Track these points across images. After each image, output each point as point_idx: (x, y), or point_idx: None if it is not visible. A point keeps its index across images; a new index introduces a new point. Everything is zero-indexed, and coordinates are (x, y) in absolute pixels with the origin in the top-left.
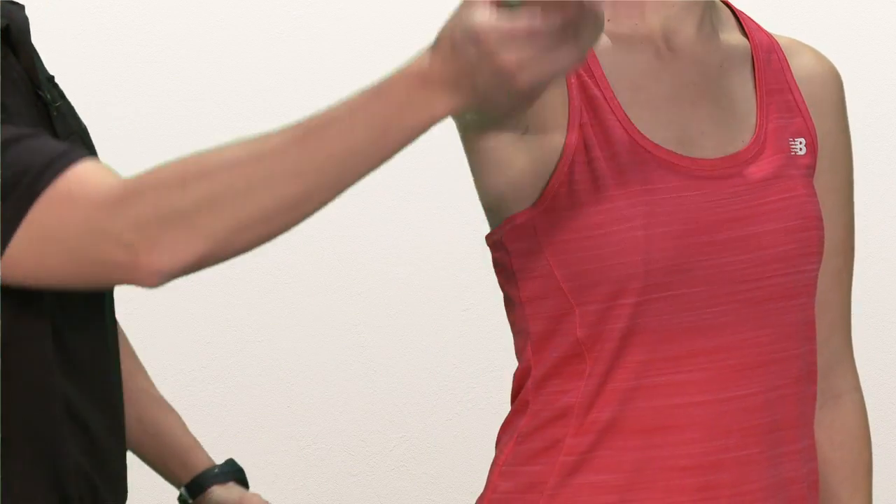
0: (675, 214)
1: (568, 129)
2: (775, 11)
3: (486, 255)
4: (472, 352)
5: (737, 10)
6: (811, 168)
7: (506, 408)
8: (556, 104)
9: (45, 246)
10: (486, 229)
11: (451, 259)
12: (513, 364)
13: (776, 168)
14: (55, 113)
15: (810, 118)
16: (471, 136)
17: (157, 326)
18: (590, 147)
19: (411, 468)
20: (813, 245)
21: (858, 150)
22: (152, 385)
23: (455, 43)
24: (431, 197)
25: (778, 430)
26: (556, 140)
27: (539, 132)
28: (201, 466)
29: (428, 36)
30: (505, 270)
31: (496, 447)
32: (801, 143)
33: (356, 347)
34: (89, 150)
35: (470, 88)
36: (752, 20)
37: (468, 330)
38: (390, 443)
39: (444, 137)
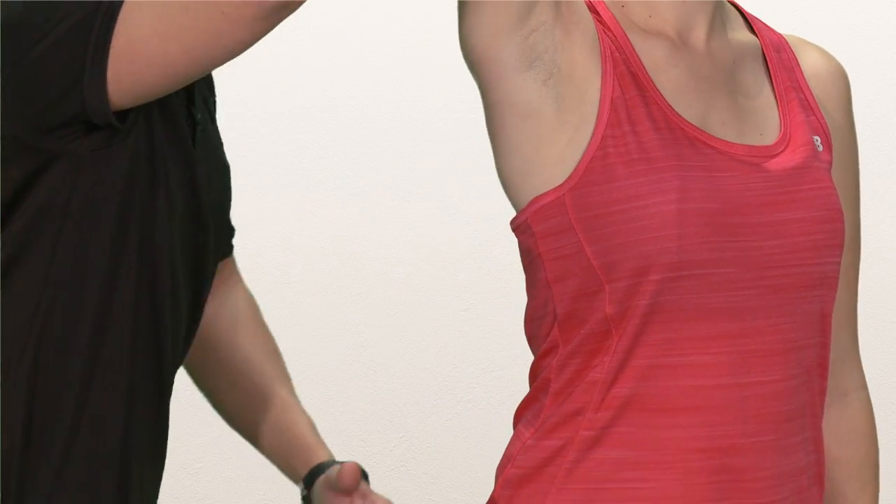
0: (709, 192)
1: (600, 102)
2: (776, 11)
3: (486, 255)
4: (472, 352)
5: (743, 9)
6: (830, 164)
7: (505, 408)
8: (588, 70)
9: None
10: (486, 229)
11: (451, 259)
12: (513, 364)
13: (804, 159)
14: (199, 135)
15: (822, 116)
16: (492, 82)
17: None
18: (622, 121)
19: (411, 468)
20: (838, 237)
21: (859, 150)
22: (292, 391)
23: None
24: (431, 197)
25: (790, 419)
26: (588, 107)
27: (568, 84)
28: (320, 460)
29: (427, 35)
30: (530, 253)
31: (517, 424)
32: (818, 140)
33: (356, 347)
34: (223, 188)
35: None
36: (758, 19)
37: (468, 330)
38: (390, 443)
39: (445, 137)
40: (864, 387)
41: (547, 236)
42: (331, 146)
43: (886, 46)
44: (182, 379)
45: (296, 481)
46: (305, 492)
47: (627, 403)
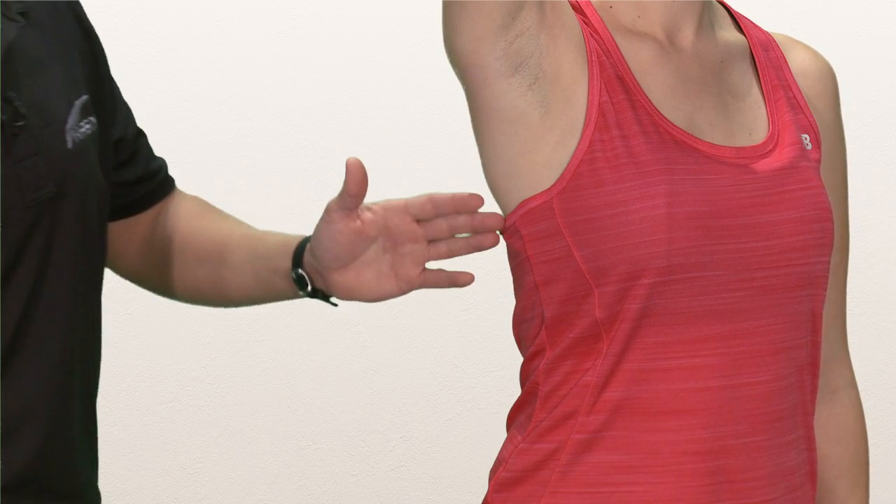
0: (697, 195)
1: (588, 106)
2: (775, 11)
3: (486, 255)
4: (472, 352)
5: (731, 7)
6: (819, 163)
7: (505, 408)
8: (575, 73)
9: None
10: None
11: (452, 259)
12: (513, 364)
13: (792, 159)
14: (13, 133)
15: (811, 114)
16: (478, 87)
17: (157, 326)
18: (610, 125)
19: (411, 468)
20: (827, 236)
21: (858, 150)
22: (249, 227)
23: None
24: None
25: (782, 419)
26: (575, 112)
27: (553, 88)
28: (300, 239)
29: (427, 35)
30: (518, 256)
31: (510, 428)
32: (807, 138)
33: (356, 347)
34: (50, 169)
35: None
36: (746, 18)
37: (468, 330)
38: (390, 443)
39: (445, 137)
40: (854, 385)
41: (535, 240)
42: (331, 146)
43: (886, 46)
44: (181, 381)
45: (285, 284)
46: (298, 271)
47: (619, 407)
